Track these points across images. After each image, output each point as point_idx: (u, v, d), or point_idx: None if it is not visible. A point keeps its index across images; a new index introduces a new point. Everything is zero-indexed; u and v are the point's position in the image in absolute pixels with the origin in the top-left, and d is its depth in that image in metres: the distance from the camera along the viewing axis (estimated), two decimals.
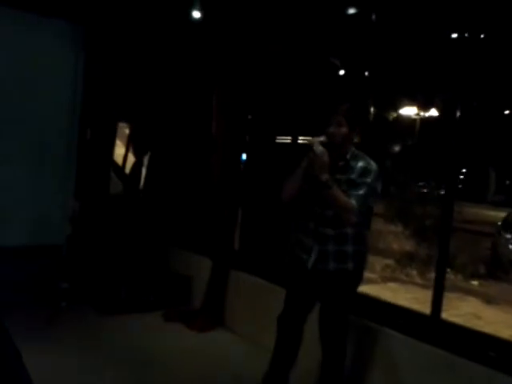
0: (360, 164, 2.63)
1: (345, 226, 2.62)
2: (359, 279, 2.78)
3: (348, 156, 2.67)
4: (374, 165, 2.65)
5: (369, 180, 2.59)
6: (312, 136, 2.69)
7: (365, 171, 2.61)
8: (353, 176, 2.61)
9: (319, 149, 2.53)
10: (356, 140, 2.76)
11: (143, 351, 3.57)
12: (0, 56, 4.11)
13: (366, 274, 7.45)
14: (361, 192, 2.56)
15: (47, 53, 4.35)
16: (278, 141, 4.46)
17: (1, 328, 2.35)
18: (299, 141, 4.01)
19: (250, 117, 4.49)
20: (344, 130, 2.63)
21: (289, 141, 4.14)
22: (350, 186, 2.59)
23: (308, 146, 2.62)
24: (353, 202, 2.52)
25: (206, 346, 3.81)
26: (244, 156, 4.56)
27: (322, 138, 2.60)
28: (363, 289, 3.06)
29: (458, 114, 2.92)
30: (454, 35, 3.26)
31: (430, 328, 2.80)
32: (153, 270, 4.67)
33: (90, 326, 3.99)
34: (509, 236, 8.43)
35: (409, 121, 15.65)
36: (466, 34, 2.96)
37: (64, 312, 4.16)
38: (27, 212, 4.33)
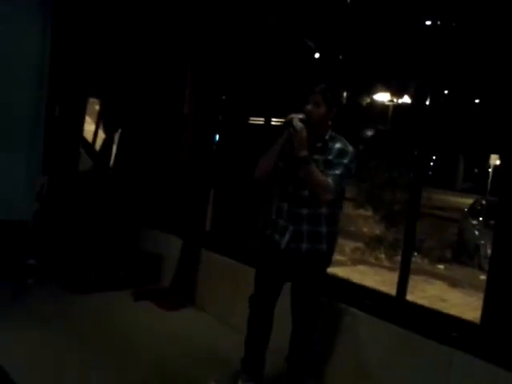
0: (337, 145, 2.64)
1: (319, 206, 2.63)
2: (330, 260, 2.81)
3: (326, 137, 2.68)
4: (350, 147, 2.67)
5: (345, 161, 2.60)
6: (284, 118, 2.68)
7: (342, 152, 2.63)
8: (330, 157, 2.62)
9: (299, 125, 2.53)
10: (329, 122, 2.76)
11: (111, 330, 3.55)
12: None
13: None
14: (337, 172, 2.57)
15: (10, 21, 4.18)
16: (251, 122, 4.45)
17: None
18: (272, 122, 4.00)
19: (223, 97, 4.45)
20: (322, 109, 2.63)
21: (262, 122, 4.13)
22: (327, 166, 2.60)
23: (284, 125, 2.61)
24: (329, 180, 2.54)
25: (175, 324, 3.81)
26: (217, 137, 4.52)
27: (301, 116, 2.59)
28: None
29: (429, 101, 2.96)
30: (428, 22, 3.29)
31: (395, 309, 2.87)
32: (122, 248, 4.62)
33: (57, 303, 3.92)
34: (475, 222, 8.68)
35: (382, 107, 15.82)
36: (439, 22, 2.99)
37: (31, 289, 4.09)
38: None
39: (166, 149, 4.81)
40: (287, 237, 2.68)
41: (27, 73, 4.34)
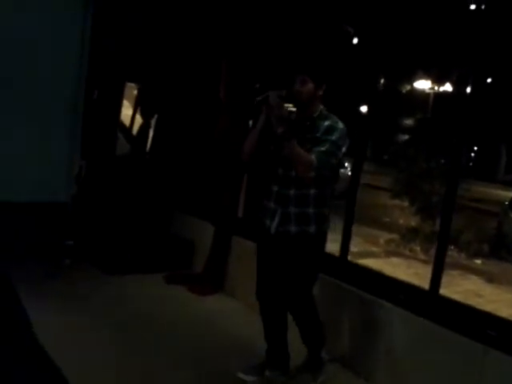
0: (326, 123, 2.57)
1: (306, 187, 2.56)
2: (320, 243, 2.71)
3: (315, 115, 2.61)
4: (341, 124, 2.59)
5: (332, 137, 2.52)
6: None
7: (329, 129, 2.55)
8: (318, 134, 2.56)
9: (275, 100, 2.45)
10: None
11: (143, 312, 3.63)
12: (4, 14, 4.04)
13: (370, 248, 7.45)
14: (322, 148, 2.49)
15: (50, 7, 4.25)
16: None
17: (5, 280, 2.39)
18: None
19: (257, 83, 4.41)
20: (309, 87, 2.57)
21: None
22: (314, 144, 2.52)
23: (258, 102, 2.52)
24: (312, 156, 2.45)
25: (206, 309, 3.86)
26: (251, 122, 4.50)
27: (280, 92, 2.51)
28: (365, 262, 3.07)
29: (471, 89, 2.85)
30: (472, 7, 3.16)
31: (427, 303, 2.81)
32: (156, 232, 4.70)
33: (92, 283, 4.04)
34: None
35: (423, 95, 15.40)
36: (483, 6, 2.86)
37: (68, 269, 4.21)
38: (33, 170, 4.34)
39: (202, 134, 4.83)
40: (276, 220, 2.62)
41: (68, 59, 4.43)
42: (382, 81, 3.55)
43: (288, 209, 2.60)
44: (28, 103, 4.27)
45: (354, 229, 3.56)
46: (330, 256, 3.50)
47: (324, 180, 2.57)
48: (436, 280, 2.77)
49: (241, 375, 2.80)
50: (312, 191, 2.58)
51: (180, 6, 4.62)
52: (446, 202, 2.94)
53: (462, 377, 2.54)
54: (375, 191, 11.30)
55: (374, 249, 7.29)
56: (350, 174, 12.53)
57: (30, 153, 4.32)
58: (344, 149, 2.59)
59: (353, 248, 3.81)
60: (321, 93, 2.63)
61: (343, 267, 3.35)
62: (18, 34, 4.13)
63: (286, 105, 2.48)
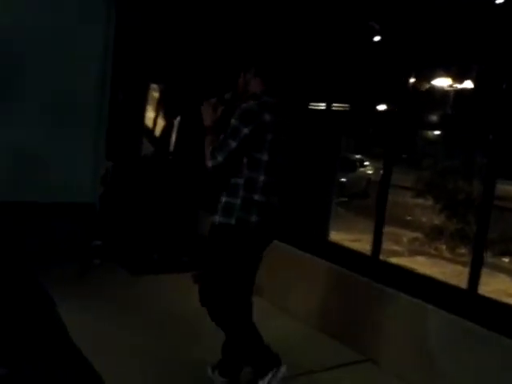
0: (241, 107, 2.51)
1: (236, 175, 2.52)
2: (242, 235, 2.52)
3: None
4: (246, 104, 2.49)
5: (232, 120, 2.48)
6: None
7: (236, 112, 2.50)
8: (232, 120, 2.52)
9: (212, 100, 2.67)
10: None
11: (171, 311, 3.63)
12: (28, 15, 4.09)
13: (393, 247, 7.34)
14: (222, 136, 2.49)
15: (75, 9, 4.29)
16: (311, 108, 4.37)
17: (35, 281, 2.41)
18: (333, 108, 3.93)
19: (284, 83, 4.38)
20: (247, 77, 2.67)
21: (323, 107, 4.06)
22: (229, 131, 2.51)
23: None
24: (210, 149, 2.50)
25: None
26: None
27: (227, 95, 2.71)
28: (390, 261, 3.03)
29: (494, 86, 2.79)
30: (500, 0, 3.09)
31: (465, 302, 2.75)
32: (183, 232, 4.71)
33: (120, 283, 4.07)
34: None
35: (443, 92, 15.17)
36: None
37: (96, 269, 4.24)
38: (60, 171, 4.39)
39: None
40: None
41: (92, 60, 4.47)
42: (408, 78, 3.50)
43: (221, 198, 2.60)
44: (55, 105, 4.31)
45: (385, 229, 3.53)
46: (362, 255, 3.47)
47: (228, 168, 2.52)
48: (474, 279, 2.72)
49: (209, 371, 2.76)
50: (238, 181, 2.53)
51: (204, 6, 4.62)
52: (483, 201, 2.88)
53: (501, 377, 2.48)
54: (396, 190, 11.19)
55: (398, 248, 7.21)
56: (369, 172, 12.33)
57: (57, 154, 4.37)
58: (246, 128, 2.44)
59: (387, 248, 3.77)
60: (251, 80, 2.65)
61: (375, 266, 3.31)
62: (45, 35, 4.18)
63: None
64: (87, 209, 4.46)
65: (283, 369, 2.57)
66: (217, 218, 2.55)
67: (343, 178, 11.00)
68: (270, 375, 2.55)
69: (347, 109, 4.04)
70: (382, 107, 4.33)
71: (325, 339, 3.38)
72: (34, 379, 1.46)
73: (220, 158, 2.47)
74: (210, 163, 2.50)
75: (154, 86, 5.61)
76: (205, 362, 2.96)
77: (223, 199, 2.57)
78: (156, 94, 5.70)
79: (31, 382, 1.44)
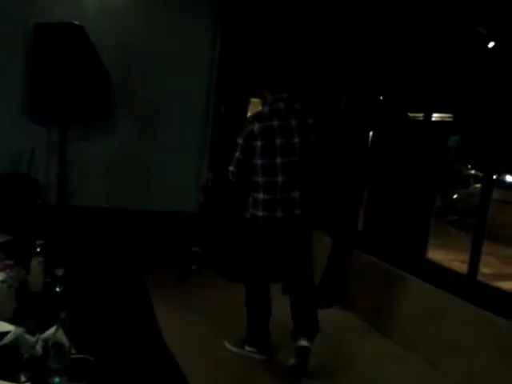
0: None
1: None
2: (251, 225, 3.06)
3: None
4: (247, 121, 3.08)
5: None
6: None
7: None
8: None
9: None
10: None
11: None
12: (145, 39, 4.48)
13: (507, 270, 6.74)
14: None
15: (183, 29, 4.61)
16: (410, 117, 4.23)
17: (140, 282, 2.62)
18: (433, 118, 3.76)
19: (381, 93, 4.31)
20: (265, 95, 3.12)
21: (421, 118, 3.91)
22: None
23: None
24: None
25: (322, 322, 3.82)
26: (371, 133, 4.41)
27: None
28: (500, 284, 2.81)
29: None
30: None
31: None
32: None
33: (215, 289, 4.24)
34: None
35: None
36: None
37: (194, 274, 4.48)
38: (169, 181, 4.73)
39: (322, 145, 4.82)
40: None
41: (200, 77, 4.78)
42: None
43: None
44: (165, 120, 4.68)
45: (489, 249, 3.30)
46: (458, 275, 3.28)
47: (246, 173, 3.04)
48: None
49: (226, 343, 3.19)
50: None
51: (300, 15, 4.69)
52: (483, 193, 2.70)
53: None
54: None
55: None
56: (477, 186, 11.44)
57: (166, 167, 4.72)
58: (240, 139, 3.00)
59: (487, 269, 3.52)
60: (263, 98, 3.17)
61: (471, 287, 3.10)
62: (158, 55, 4.56)
63: None
64: (189, 218, 4.74)
65: (262, 356, 3.10)
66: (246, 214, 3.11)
67: (454, 194, 10.36)
68: (252, 349, 3.11)
69: (451, 119, 3.85)
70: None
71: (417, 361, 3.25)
72: (120, 368, 1.60)
73: (232, 168, 3.08)
74: (229, 175, 3.13)
75: (254, 99, 5.80)
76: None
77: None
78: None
79: (118, 371, 1.57)
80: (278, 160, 2.93)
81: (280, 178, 2.94)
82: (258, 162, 2.96)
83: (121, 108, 4.37)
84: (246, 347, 3.15)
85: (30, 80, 3.97)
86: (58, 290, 2.14)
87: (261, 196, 2.97)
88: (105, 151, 4.51)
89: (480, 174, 11.67)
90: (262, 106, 3.23)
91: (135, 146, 4.62)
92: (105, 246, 4.25)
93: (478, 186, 11.50)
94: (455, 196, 10.41)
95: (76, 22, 3.89)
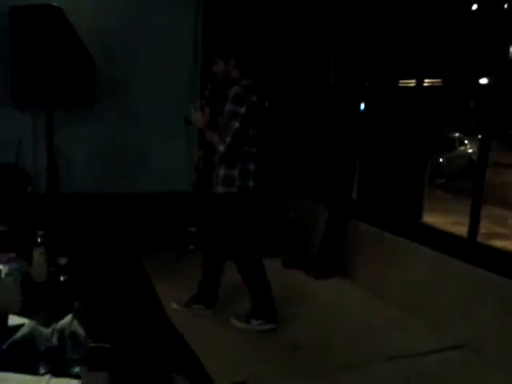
0: (230, 94, 2.87)
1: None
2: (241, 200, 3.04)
3: (231, 89, 2.90)
4: (234, 89, 2.88)
5: (227, 107, 2.87)
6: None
7: (229, 99, 2.87)
8: (226, 106, 2.90)
9: (196, 104, 2.99)
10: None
11: None
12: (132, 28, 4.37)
13: (497, 229, 6.90)
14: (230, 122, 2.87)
15: (167, 14, 4.52)
16: (400, 85, 4.20)
17: (140, 266, 2.61)
18: (424, 84, 3.75)
19: (370, 61, 4.26)
20: (220, 65, 2.99)
21: (413, 84, 3.89)
22: (225, 115, 2.90)
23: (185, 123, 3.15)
24: (221, 145, 2.91)
25: (322, 292, 3.86)
26: (362, 104, 4.39)
27: (196, 104, 3.02)
28: (492, 244, 2.86)
29: None
30: None
31: None
32: (272, 217, 4.78)
33: None
34: None
35: None
36: None
37: (192, 254, 4.46)
38: (159, 163, 4.67)
39: (313, 120, 4.81)
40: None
41: (184, 58, 4.71)
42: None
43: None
44: (154, 104, 4.62)
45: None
46: (457, 238, 3.32)
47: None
48: None
49: (232, 321, 3.20)
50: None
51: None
52: (480, 159, 2.72)
53: None
54: (503, 170, 10.46)
55: (502, 230, 6.75)
56: (469, 151, 11.59)
57: (155, 147, 4.66)
58: (242, 108, 2.86)
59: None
60: (230, 68, 2.98)
61: (472, 249, 3.14)
62: (141, 37, 4.46)
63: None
64: (184, 197, 4.70)
65: (272, 325, 3.14)
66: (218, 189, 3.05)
67: (440, 158, 10.42)
68: (261, 322, 3.13)
69: (440, 84, 3.83)
70: (482, 80, 4.07)
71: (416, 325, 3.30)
72: (135, 353, 1.60)
73: (229, 140, 2.88)
74: (221, 148, 2.92)
75: None
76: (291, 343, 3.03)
77: (221, 172, 3.02)
78: None
79: (129, 355, 1.57)
80: (255, 132, 3.02)
81: (254, 150, 3.04)
82: (251, 132, 2.99)
83: (105, 91, 4.27)
84: (253, 321, 3.17)
85: (10, 66, 3.84)
86: (62, 279, 2.13)
87: (251, 167, 3.02)
88: (93, 136, 4.42)
89: (465, 137, 11.79)
90: (215, 75, 3.07)
91: (123, 129, 4.54)
92: (102, 231, 4.23)
93: (463, 148, 11.63)
94: (441, 160, 10.48)
95: (54, 4, 3.75)
